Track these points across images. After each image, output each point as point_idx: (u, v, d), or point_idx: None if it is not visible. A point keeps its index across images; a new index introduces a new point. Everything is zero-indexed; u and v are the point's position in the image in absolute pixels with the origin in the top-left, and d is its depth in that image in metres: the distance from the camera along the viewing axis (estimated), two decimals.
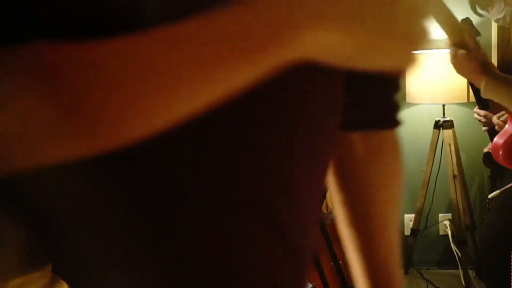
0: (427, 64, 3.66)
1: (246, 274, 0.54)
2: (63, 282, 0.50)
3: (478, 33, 2.27)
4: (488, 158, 2.26)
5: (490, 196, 2.50)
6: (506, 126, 2.11)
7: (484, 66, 1.73)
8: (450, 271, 3.84)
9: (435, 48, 3.82)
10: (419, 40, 0.46)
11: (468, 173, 3.77)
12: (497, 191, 2.39)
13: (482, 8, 2.25)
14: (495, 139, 2.11)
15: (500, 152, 2.07)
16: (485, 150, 2.29)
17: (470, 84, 2.31)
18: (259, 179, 0.53)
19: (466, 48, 1.80)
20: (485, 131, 2.42)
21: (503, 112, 2.26)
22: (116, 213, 0.49)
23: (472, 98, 3.58)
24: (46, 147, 0.40)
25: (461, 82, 3.61)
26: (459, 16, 2.34)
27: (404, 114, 4.03)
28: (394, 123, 0.84)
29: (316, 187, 0.63)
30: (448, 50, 1.92)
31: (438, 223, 4.05)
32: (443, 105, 3.74)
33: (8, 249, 0.45)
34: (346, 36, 0.44)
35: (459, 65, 1.82)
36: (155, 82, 0.40)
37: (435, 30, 4.15)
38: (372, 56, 0.46)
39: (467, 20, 2.27)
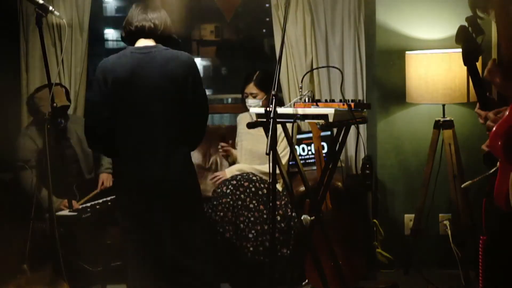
0: (427, 64, 3.66)
1: None
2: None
3: (482, 32, 2.27)
4: (488, 158, 2.25)
5: (462, 185, 2.48)
6: (507, 112, 2.03)
7: None
8: (450, 271, 3.84)
9: (435, 48, 3.83)
10: None
11: (468, 173, 3.77)
12: (469, 181, 2.37)
13: (482, 11, 2.26)
14: (494, 128, 2.04)
15: (499, 143, 2.01)
16: (484, 147, 2.27)
17: (473, 83, 2.31)
18: None
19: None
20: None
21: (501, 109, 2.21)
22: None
23: (472, 98, 3.58)
24: None
25: (461, 82, 3.61)
26: (460, 17, 2.34)
27: (404, 114, 4.03)
28: None
29: None
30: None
31: (438, 223, 4.05)
32: (443, 105, 3.74)
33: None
34: None
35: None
36: None
37: (435, 31, 4.13)
38: None
39: (471, 19, 2.26)
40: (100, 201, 3.78)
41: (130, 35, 2.96)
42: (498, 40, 3.57)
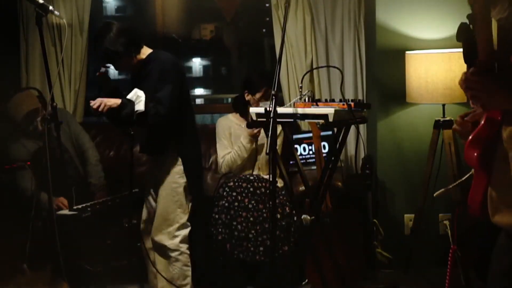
0: (427, 64, 3.66)
1: None
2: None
3: None
4: None
5: (435, 194, 2.42)
6: (482, 122, 1.85)
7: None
8: None
9: (435, 48, 3.83)
10: None
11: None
12: (442, 189, 2.35)
13: None
14: (470, 137, 1.86)
15: (475, 154, 1.87)
16: None
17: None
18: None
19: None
20: None
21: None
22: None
23: None
24: None
25: None
26: (460, 17, 2.34)
27: (404, 114, 4.03)
28: None
29: None
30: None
31: (438, 223, 4.05)
32: (443, 105, 3.74)
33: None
34: None
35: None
36: None
37: (435, 31, 4.12)
38: None
39: (473, 16, 2.25)
40: (100, 201, 3.78)
41: (136, 42, 3.39)
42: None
